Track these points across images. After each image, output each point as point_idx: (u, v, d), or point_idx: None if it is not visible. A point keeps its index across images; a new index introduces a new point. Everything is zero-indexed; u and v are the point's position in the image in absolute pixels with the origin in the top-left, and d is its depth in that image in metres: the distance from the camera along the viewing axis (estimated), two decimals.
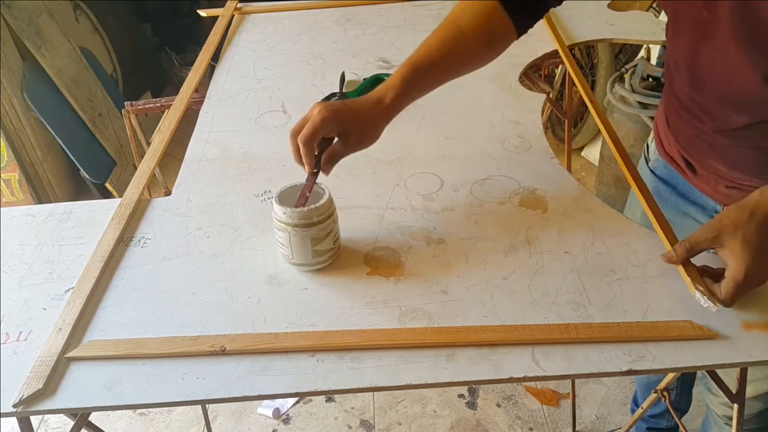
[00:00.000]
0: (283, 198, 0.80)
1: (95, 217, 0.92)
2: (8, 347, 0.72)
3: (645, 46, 2.14)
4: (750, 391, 0.99)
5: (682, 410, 1.43)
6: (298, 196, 0.80)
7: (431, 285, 0.78)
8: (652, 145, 1.05)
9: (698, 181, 0.94)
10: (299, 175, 0.85)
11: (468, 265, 0.81)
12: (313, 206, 0.77)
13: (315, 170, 0.81)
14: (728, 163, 0.86)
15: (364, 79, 1.23)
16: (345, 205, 0.91)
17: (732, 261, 0.69)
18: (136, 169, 1.02)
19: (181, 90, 1.23)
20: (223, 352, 0.70)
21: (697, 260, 0.77)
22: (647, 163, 1.07)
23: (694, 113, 0.86)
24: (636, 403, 1.49)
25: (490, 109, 1.14)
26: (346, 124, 0.79)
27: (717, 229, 0.70)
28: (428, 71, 0.84)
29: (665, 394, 1.11)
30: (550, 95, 1.28)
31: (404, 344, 0.70)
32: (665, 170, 1.01)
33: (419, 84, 0.84)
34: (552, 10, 1.45)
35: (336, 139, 0.81)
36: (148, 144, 1.12)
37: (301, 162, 0.80)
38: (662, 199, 1.02)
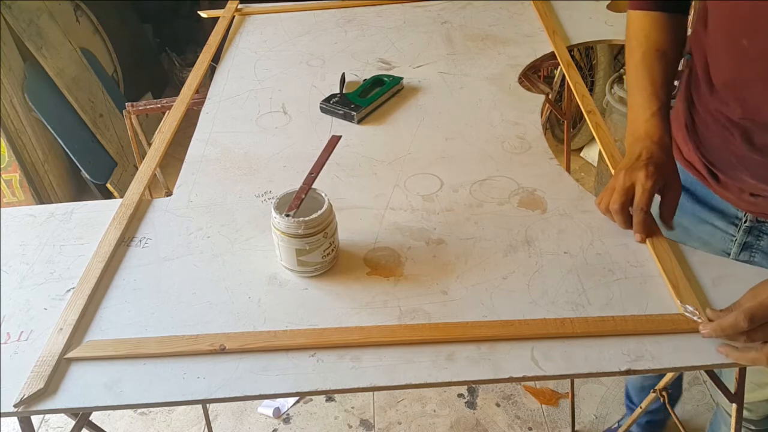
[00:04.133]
0: (284, 201, 0.80)
1: (96, 218, 0.92)
2: (9, 347, 0.73)
3: None
4: (766, 394, 0.99)
5: (674, 398, 1.44)
6: (293, 199, 0.80)
7: (431, 285, 0.78)
8: None
9: (721, 189, 0.92)
10: (300, 176, 0.85)
11: (467, 265, 0.81)
12: (301, 219, 0.76)
13: (312, 173, 0.81)
14: (756, 175, 0.85)
15: (364, 80, 1.23)
16: (345, 205, 0.92)
17: (749, 293, 0.67)
18: (137, 169, 1.03)
19: (181, 91, 1.24)
20: (222, 351, 0.70)
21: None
22: None
23: (726, 127, 0.85)
24: (629, 398, 1.49)
25: (490, 110, 1.14)
26: (668, 176, 0.83)
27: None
28: (667, 96, 0.90)
29: (664, 393, 1.11)
30: (549, 96, 1.28)
31: (403, 341, 0.71)
32: (682, 176, 0.97)
33: (667, 109, 0.90)
34: (551, 10, 1.46)
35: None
36: (149, 144, 1.12)
37: (630, 226, 0.82)
38: (678, 205, 1.01)
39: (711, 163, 0.92)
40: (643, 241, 0.81)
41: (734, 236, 0.94)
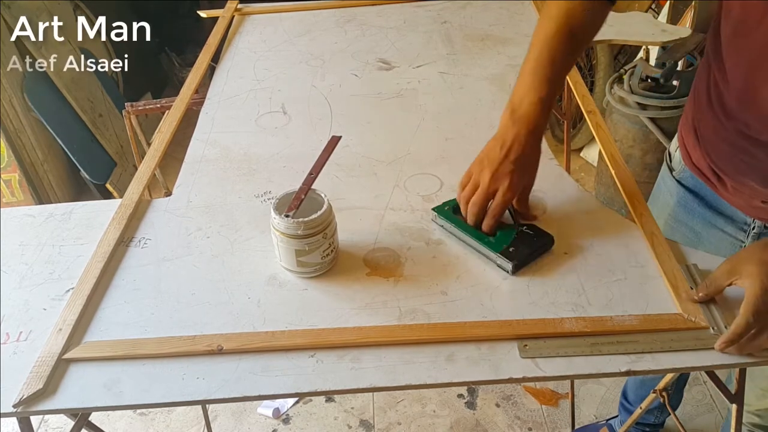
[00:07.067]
0: (284, 202, 0.80)
1: (96, 218, 0.92)
2: (8, 347, 0.73)
3: (644, 47, 2.14)
4: None
5: (672, 407, 1.43)
6: (292, 199, 0.80)
7: (431, 286, 0.78)
8: (677, 154, 1.01)
9: (730, 195, 0.91)
10: (299, 176, 0.85)
11: (467, 265, 0.81)
12: (300, 219, 0.76)
13: (312, 174, 0.80)
14: (765, 181, 0.84)
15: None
16: (344, 206, 0.92)
17: (748, 282, 0.67)
18: (136, 169, 1.02)
19: (181, 91, 1.24)
20: (220, 352, 0.70)
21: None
22: (671, 172, 1.03)
23: (739, 130, 0.83)
24: (625, 396, 1.48)
25: (490, 110, 1.14)
26: (529, 176, 0.85)
27: (733, 261, 0.70)
28: (561, 81, 0.89)
29: (664, 394, 1.11)
30: None
31: (403, 341, 0.70)
32: (692, 181, 0.98)
33: (556, 95, 0.88)
34: None
35: None
36: (149, 145, 1.12)
37: (480, 222, 0.83)
38: (689, 210, 1.00)
39: (720, 169, 0.90)
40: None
41: (743, 242, 0.94)
